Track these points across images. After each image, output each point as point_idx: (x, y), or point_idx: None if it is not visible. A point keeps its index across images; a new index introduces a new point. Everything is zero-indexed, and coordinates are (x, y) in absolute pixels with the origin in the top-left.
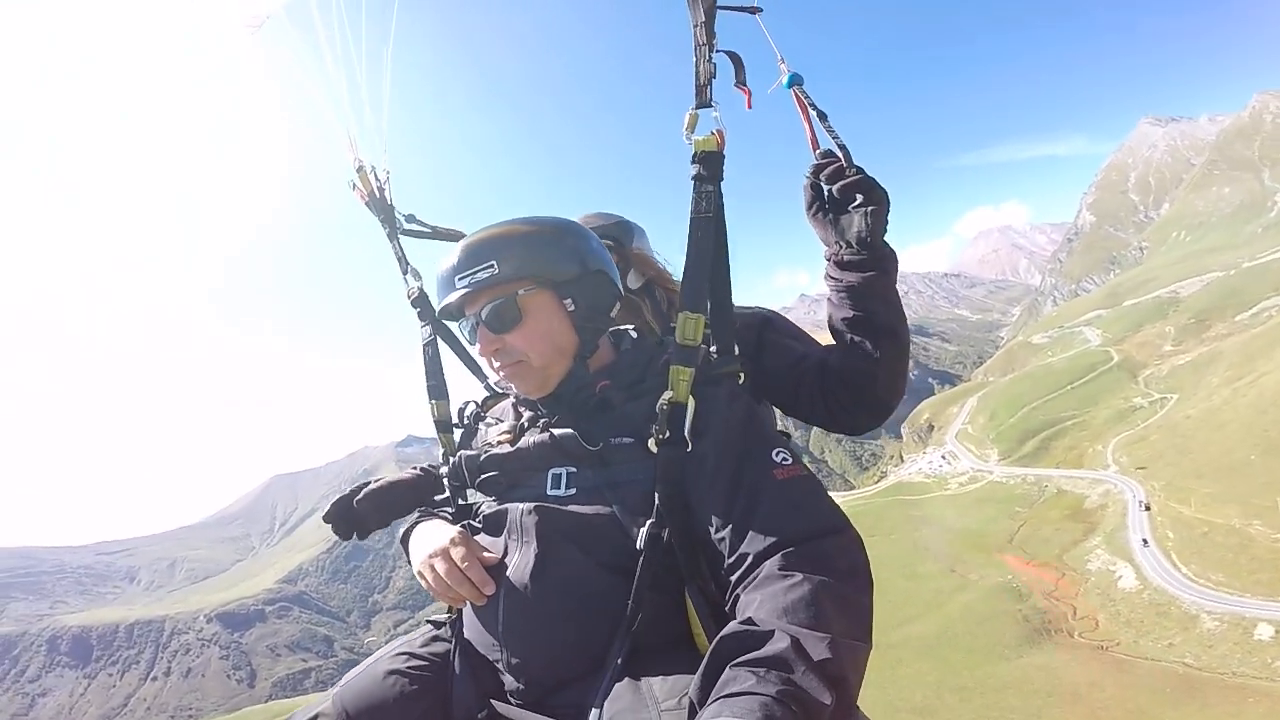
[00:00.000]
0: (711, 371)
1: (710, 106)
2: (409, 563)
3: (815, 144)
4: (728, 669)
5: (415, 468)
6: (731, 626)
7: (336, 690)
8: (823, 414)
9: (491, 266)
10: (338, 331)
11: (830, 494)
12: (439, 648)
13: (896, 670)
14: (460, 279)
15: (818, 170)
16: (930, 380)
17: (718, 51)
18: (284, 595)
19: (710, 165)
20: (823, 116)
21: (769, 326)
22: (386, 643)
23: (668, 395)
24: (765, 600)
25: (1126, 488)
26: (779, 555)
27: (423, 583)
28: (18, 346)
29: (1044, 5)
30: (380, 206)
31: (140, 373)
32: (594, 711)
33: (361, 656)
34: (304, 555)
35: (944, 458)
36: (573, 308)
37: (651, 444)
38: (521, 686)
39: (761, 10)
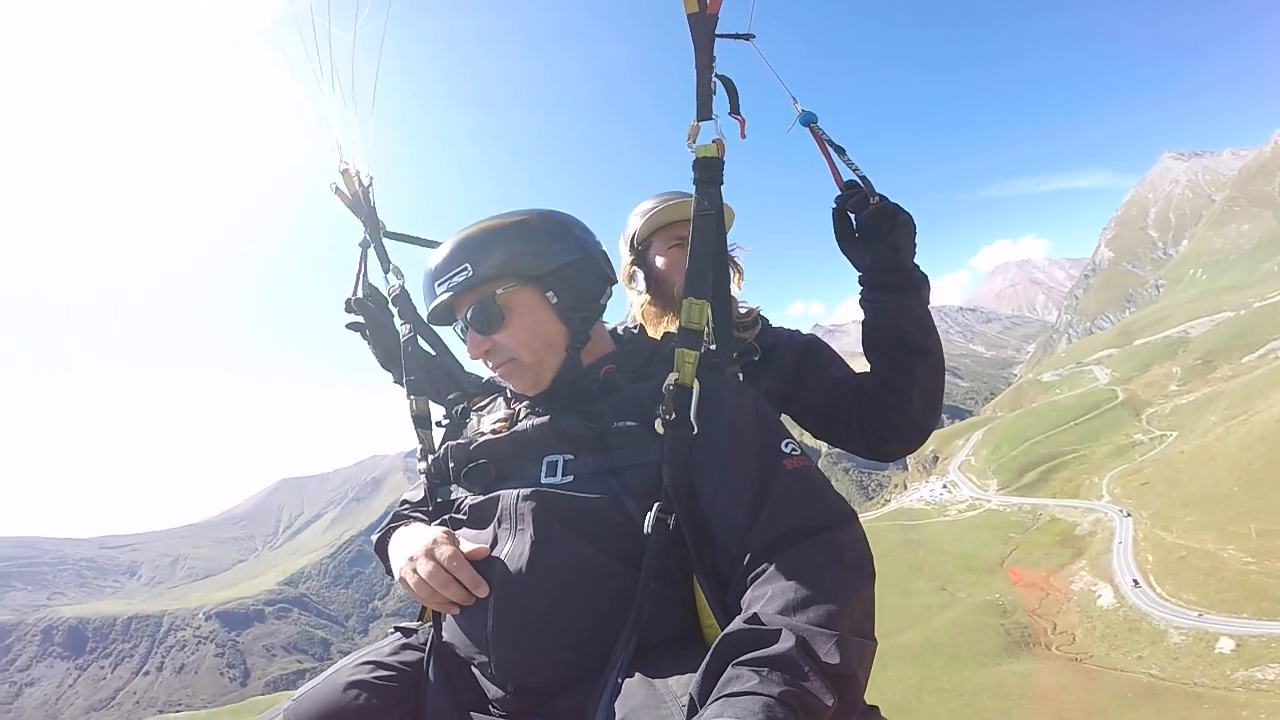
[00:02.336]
0: (712, 360)
1: (711, 119)
2: (388, 571)
3: (838, 177)
4: (730, 667)
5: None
6: (736, 624)
7: (289, 704)
8: (859, 439)
9: (466, 269)
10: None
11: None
12: (409, 656)
13: (880, 674)
14: (439, 284)
15: (843, 201)
16: (941, 416)
17: (716, 75)
18: (284, 597)
19: (710, 169)
20: (840, 151)
21: (811, 350)
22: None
23: (673, 377)
24: (774, 595)
25: (1116, 515)
26: (789, 547)
27: (405, 588)
28: (39, 343)
29: (1069, 37)
30: (362, 209)
31: (156, 373)
32: (602, 710)
33: None
34: (307, 559)
35: (945, 487)
36: (556, 300)
37: (658, 425)
38: (509, 694)
39: (754, 37)
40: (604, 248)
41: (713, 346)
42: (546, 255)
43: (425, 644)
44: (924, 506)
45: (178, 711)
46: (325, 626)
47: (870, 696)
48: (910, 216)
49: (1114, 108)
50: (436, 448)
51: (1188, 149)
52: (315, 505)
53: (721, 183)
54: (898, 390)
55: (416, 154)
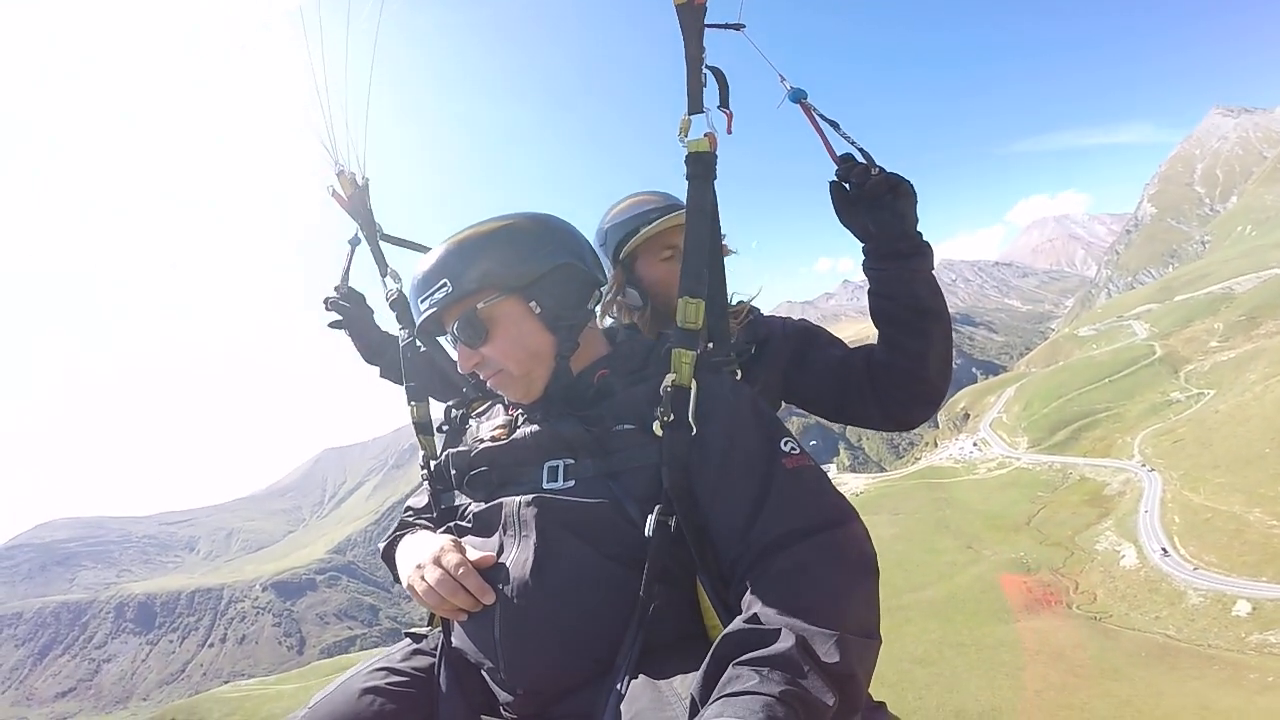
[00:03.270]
0: (710, 360)
1: (702, 112)
2: (395, 579)
3: (831, 151)
4: (731, 667)
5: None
6: (736, 624)
7: (306, 712)
8: (875, 411)
9: (445, 285)
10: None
11: (860, 476)
12: (421, 661)
13: (904, 628)
14: (421, 301)
15: (844, 174)
16: (974, 370)
17: (706, 66)
18: (334, 565)
19: (703, 164)
20: (834, 125)
21: (807, 336)
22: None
23: (670, 378)
24: (773, 595)
25: (1145, 475)
26: (789, 547)
27: (413, 595)
28: (95, 332)
29: None
30: (359, 211)
31: (200, 353)
32: (609, 712)
33: (404, 626)
34: (352, 527)
35: (975, 445)
36: (540, 310)
37: (656, 427)
38: (518, 697)
39: (745, 27)
40: (593, 249)
41: (709, 345)
42: (528, 264)
43: (436, 649)
44: (953, 465)
45: (243, 680)
46: (373, 593)
47: (893, 650)
48: (911, 184)
49: (1157, 62)
50: (438, 453)
51: (1237, 105)
52: (358, 473)
53: (715, 177)
54: (914, 355)
55: (420, 148)
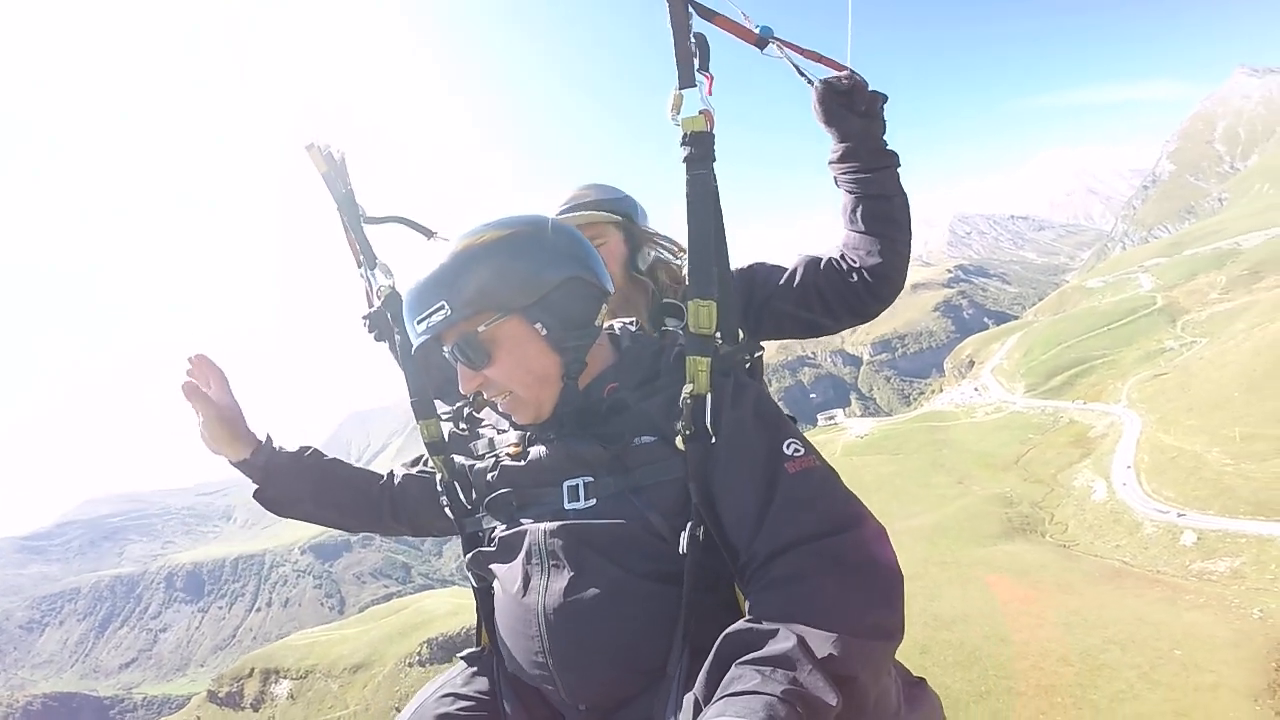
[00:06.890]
0: (721, 362)
1: (694, 86)
2: None
3: (827, 62)
4: (733, 667)
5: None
6: (737, 624)
7: None
8: (850, 304)
9: (443, 308)
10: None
11: (867, 420)
12: (481, 684)
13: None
14: (418, 323)
15: (826, 86)
16: (986, 320)
17: (693, 33)
18: None
19: (701, 145)
20: (814, 55)
21: (754, 275)
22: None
23: (689, 388)
24: (775, 599)
25: (1126, 418)
26: (790, 552)
27: None
28: (136, 314)
29: None
30: (335, 187)
31: (225, 327)
32: (669, 714)
33: (435, 582)
34: None
35: (976, 390)
36: (545, 331)
37: (679, 441)
38: (580, 712)
39: None
40: (598, 257)
41: (720, 343)
42: (531, 281)
43: (491, 668)
44: (953, 409)
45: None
46: (405, 551)
47: None
48: (883, 95)
49: (1184, 18)
50: (453, 472)
51: (1262, 65)
52: (381, 436)
53: (714, 159)
54: (902, 250)
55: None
